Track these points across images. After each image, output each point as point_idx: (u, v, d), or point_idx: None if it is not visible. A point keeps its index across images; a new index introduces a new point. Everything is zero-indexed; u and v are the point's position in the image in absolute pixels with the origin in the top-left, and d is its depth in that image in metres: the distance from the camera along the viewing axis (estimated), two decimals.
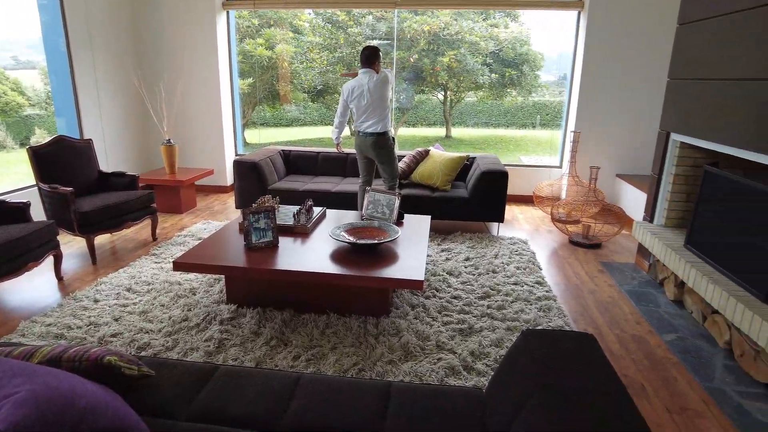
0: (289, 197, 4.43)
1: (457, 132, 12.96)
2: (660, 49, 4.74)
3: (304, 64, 10.69)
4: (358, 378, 1.64)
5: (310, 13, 10.76)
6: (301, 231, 3.16)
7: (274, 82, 10.02)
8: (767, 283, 2.31)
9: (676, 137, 3.31)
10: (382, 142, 3.91)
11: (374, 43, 9.87)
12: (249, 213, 2.86)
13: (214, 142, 5.65)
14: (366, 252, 2.83)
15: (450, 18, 9.84)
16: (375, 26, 9.86)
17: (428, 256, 3.73)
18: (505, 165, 5.54)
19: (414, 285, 2.47)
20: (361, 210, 4.19)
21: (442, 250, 3.84)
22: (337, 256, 2.78)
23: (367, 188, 3.46)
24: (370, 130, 3.91)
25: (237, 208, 4.62)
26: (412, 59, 10.13)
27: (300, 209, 3.26)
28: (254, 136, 11.82)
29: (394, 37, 6.48)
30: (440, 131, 12.79)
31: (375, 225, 3.04)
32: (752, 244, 2.50)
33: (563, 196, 5.17)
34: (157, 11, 5.30)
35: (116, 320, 2.80)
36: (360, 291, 2.77)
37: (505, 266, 3.52)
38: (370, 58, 3.86)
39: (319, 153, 5.05)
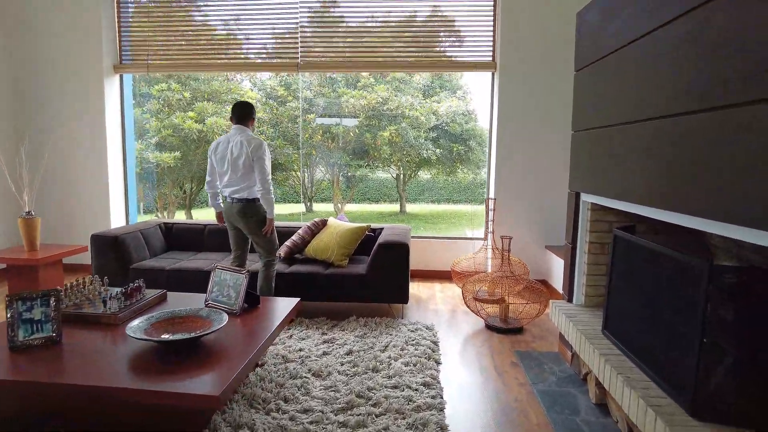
0: (154, 278, 3.68)
1: (412, 207, 12.62)
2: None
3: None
4: None
5: (252, 89, 10.60)
6: (109, 321, 2.40)
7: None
8: (692, 387, 1.66)
9: (586, 198, 2.79)
10: (249, 211, 3.28)
11: (313, 117, 9.63)
12: (15, 300, 2.11)
13: (97, 216, 4.93)
14: (179, 352, 2.09)
15: (389, 93, 9.76)
16: (312, 101, 9.68)
17: (300, 350, 2.97)
18: (426, 237, 4.98)
19: (207, 401, 1.72)
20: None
21: (324, 342, 3.09)
22: (139, 358, 2.03)
23: (217, 266, 2.76)
24: (235, 196, 3.31)
25: None
26: (352, 133, 9.90)
27: (117, 292, 2.53)
28: (205, 214, 11.19)
29: (300, 101, 6.16)
30: (395, 207, 12.45)
31: (202, 314, 2.32)
32: (673, 331, 1.88)
33: (488, 270, 4.56)
34: (35, 68, 4.79)
35: None
36: (159, 408, 1.99)
37: (392, 362, 2.78)
38: (242, 115, 3.33)
39: (206, 226, 4.37)
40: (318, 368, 2.66)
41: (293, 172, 11.37)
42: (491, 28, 4.61)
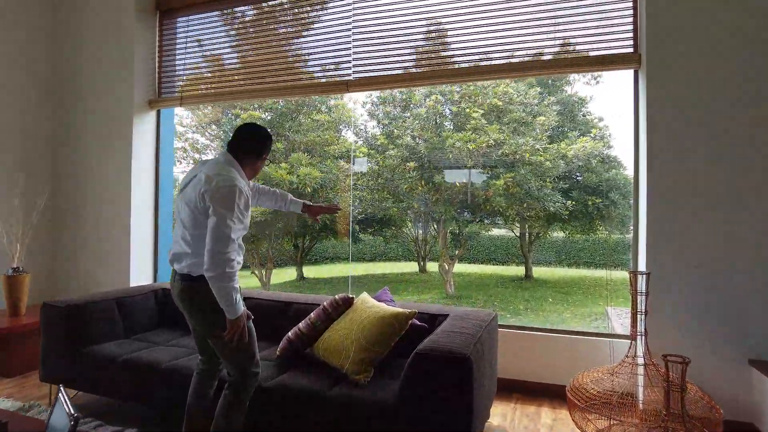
0: (107, 371, 2.55)
1: (540, 271, 10.47)
2: None
3: (351, 192, 9.52)
4: None
5: (356, 141, 9.86)
6: None
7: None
8: None
9: None
10: (193, 296, 2.00)
11: (412, 166, 8.37)
12: None
13: (116, 274, 4.10)
14: None
15: (504, 135, 8.16)
16: (414, 148, 8.48)
17: None
18: (529, 328, 3.22)
19: None
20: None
21: None
22: None
23: (60, 393, 1.47)
24: (177, 267, 2.05)
25: (42, 379, 2.79)
26: (458, 183, 8.43)
27: None
28: (318, 272, 10.65)
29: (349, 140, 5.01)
30: (519, 270, 10.47)
31: None
32: None
33: (639, 399, 2.61)
34: (67, 104, 4.29)
35: None
36: None
37: None
38: (238, 143, 2.09)
39: None
40: None
41: (403, 229, 10.34)
42: (630, 3, 2.94)
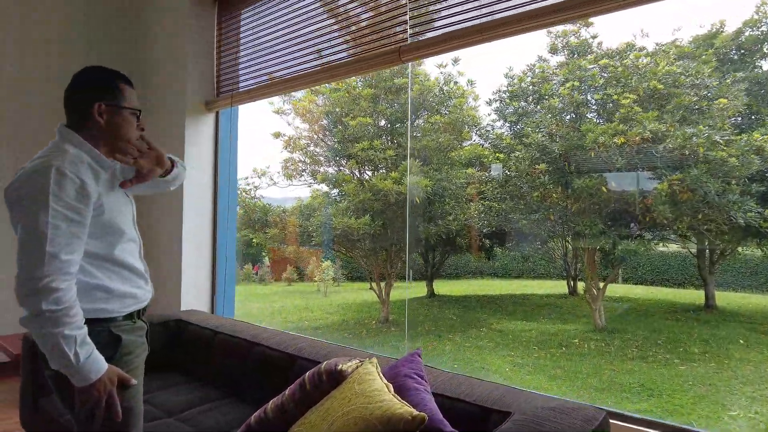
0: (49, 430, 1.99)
1: (727, 299, 8.11)
2: None
3: (478, 203, 8.45)
4: None
5: (484, 144, 8.73)
6: None
7: (418, 222, 7.92)
8: None
9: None
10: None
11: (542, 167, 6.87)
12: None
13: (165, 299, 3.67)
14: None
15: (665, 125, 6.23)
16: (546, 147, 6.99)
17: None
18: None
19: None
20: None
21: None
22: None
23: None
24: None
25: (21, 424, 2.34)
26: (605, 188, 6.68)
27: None
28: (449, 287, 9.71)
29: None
30: (696, 295, 8.28)
31: None
32: None
33: None
34: None
35: None
36: None
37: None
38: (68, 102, 1.40)
39: (216, 333, 2.49)
40: None
41: (549, 243, 9.07)
42: None
